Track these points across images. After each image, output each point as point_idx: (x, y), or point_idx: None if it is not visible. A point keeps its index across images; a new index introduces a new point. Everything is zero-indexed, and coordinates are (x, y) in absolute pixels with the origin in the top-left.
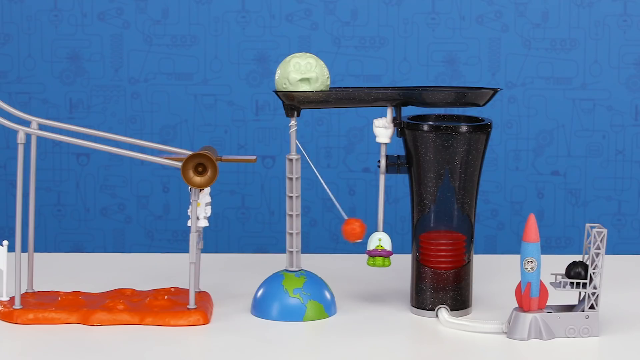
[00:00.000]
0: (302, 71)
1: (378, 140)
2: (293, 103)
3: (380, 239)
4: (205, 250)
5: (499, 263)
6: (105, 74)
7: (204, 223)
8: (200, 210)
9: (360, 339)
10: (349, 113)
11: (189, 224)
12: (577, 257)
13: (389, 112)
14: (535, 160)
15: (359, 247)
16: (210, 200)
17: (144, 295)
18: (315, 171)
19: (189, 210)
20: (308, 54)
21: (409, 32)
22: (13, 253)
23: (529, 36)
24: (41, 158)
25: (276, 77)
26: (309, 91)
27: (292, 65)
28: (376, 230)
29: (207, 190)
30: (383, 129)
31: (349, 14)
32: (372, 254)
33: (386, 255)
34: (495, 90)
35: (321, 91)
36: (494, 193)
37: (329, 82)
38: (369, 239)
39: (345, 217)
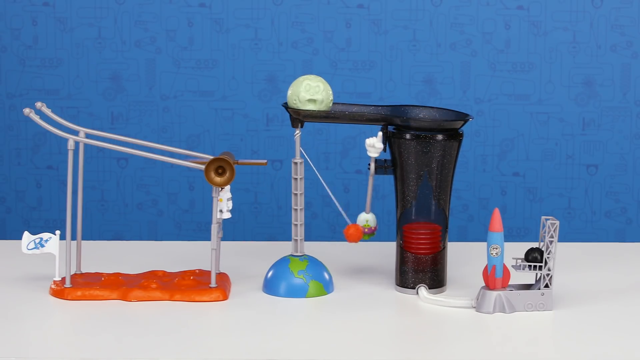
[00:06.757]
0: (311, 92)
1: (369, 154)
2: (299, 117)
3: (367, 220)
4: (225, 238)
5: (469, 249)
6: (141, 91)
7: (227, 215)
8: (223, 204)
9: (353, 313)
10: (344, 124)
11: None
12: (534, 244)
13: (380, 134)
14: (499, 164)
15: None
16: (231, 196)
17: (173, 276)
18: (320, 178)
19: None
20: (318, 78)
21: (394, 57)
22: (64, 241)
23: (494, 60)
24: (87, 162)
25: (289, 93)
26: (314, 110)
27: (304, 86)
28: (364, 211)
29: (228, 187)
30: (373, 148)
31: (344, 42)
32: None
33: (370, 232)
34: (466, 120)
35: (323, 111)
36: (465, 191)
37: (331, 102)
38: (358, 218)
39: (349, 221)
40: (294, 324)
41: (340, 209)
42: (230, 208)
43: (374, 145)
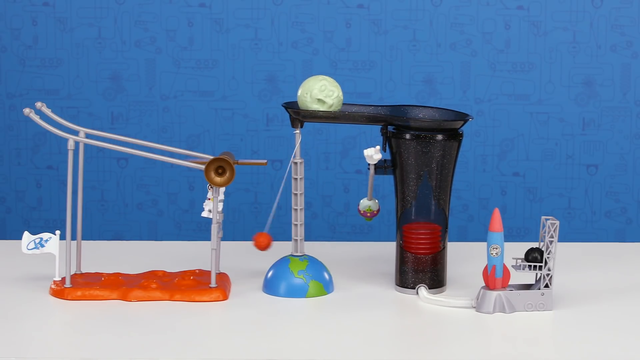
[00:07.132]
0: (325, 94)
1: (368, 161)
2: (299, 117)
3: (369, 206)
4: (225, 238)
5: (469, 249)
6: (141, 91)
7: (207, 214)
8: (214, 204)
9: (353, 313)
10: (344, 124)
11: (202, 215)
12: (534, 244)
13: (377, 147)
14: (499, 164)
15: (354, 236)
16: (223, 198)
17: (173, 276)
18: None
19: (204, 204)
20: (335, 83)
21: (394, 57)
22: (64, 241)
23: (494, 60)
24: (87, 162)
25: (301, 89)
26: (317, 110)
27: (320, 85)
28: (366, 197)
29: (222, 189)
30: (371, 158)
31: (344, 42)
32: (362, 215)
33: (371, 216)
34: (466, 120)
35: (323, 111)
36: (465, 191)
37: (340, 108)
38: (360, 203)
39: (266, 229)
40: (294, 324)
41: (271, 215)
42: (220, 210)
43: (372, 156)
